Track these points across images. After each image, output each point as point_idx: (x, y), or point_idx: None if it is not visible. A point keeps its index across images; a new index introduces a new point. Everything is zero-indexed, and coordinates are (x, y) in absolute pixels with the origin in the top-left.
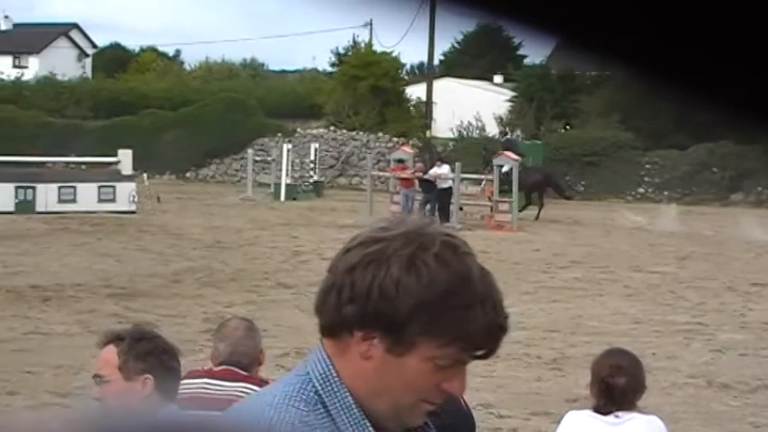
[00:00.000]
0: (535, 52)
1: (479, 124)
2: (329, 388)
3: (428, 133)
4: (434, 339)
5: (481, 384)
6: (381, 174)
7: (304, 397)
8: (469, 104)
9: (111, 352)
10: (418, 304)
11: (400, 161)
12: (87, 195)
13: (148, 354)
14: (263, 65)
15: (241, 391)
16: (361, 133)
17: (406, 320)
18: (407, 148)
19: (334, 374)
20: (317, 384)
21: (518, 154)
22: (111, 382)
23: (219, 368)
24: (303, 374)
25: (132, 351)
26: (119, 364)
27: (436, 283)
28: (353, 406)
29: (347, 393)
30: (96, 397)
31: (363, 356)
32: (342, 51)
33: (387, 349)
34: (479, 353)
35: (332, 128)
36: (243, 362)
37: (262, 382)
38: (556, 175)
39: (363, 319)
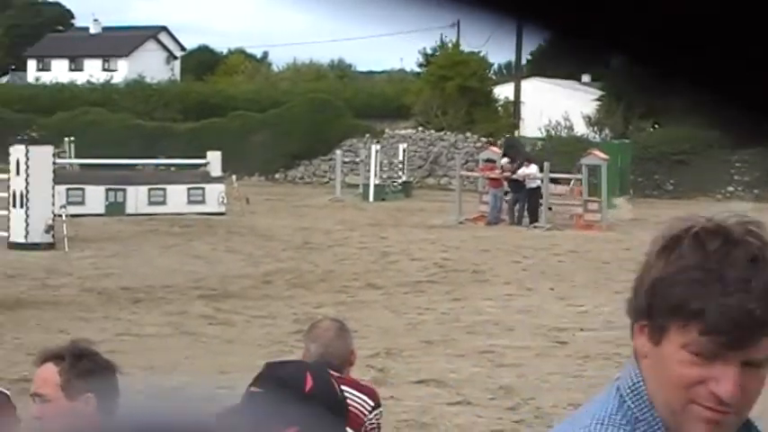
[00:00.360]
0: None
1: (567, 124)
2: (637, 403)
3: (516, 133)
4: (675, 319)
5: (572, 384)
6: (470, 174)
7: (617, 418)
8: (557, 104)
9: (50, 370)
10: (655, 280)
11: (489, 161)
12: (177, 197)
13: (90, 372)
14: (350, 66)
15: None
16: (448, 133)
17: (650, 299)
18: (496, 148)
19: (640, 386)
20: (627, 400)
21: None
22: (52, 401)
23: None
24: (614, 391)
25: (74, 370)
26: (61, 383)
27: (678, 260)
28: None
29: (649, 406)
30: (36, 416)
31: (641, 354)
32: (429, 52)
33: (648, 337)
34: (722, 339)
35: (420, 128)
36: (334, 363)
37: (353, 383)
38: None
39: (633, 309)
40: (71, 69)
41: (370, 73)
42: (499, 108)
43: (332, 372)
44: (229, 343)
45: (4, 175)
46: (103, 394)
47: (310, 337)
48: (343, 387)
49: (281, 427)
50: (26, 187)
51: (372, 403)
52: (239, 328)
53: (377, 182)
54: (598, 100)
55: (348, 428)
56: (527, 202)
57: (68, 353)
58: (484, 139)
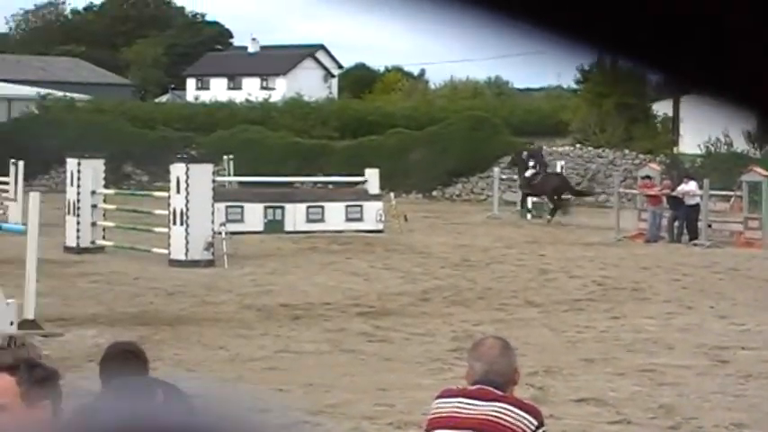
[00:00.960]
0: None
1: (727, 140)
2: None
3: (675, 150)
4: None
5: (734, 403)
6: (628, 191)
7: None
8: (717, 120)
9: (7, 380)
10: None
11: (647, 178)
12: (335, 215)
13: (46, 379)
14: (507, 83)
15: (496, 411)
16: (606, 150)
17: None
18: (655, 165)
19: None
20: None
21: (543, 164)
22: (12, 410)
23: (474, 387)
24: None
25: (31, 378)
26: (21, 392)
27: None
28: None
29: None
30: None
31: None
32: (587, 68)
33: None
34: None
35: (578, 145)
36: (498, 381)
37: (516, 402)
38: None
39: None
40: (230, 88)
41: (528, 90)
42: (658, 125)
43: (495, 390)
44: (388, 360)
45: (165, 193)
46: (56, 400)
47: (474, 355)
48: (506, 406)
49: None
50: (186, 205)
51: (536, 422)
52: (398, 345)
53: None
54: None
55: None
56: (686, 219)
57: (22, 362)
58: (642, 156)
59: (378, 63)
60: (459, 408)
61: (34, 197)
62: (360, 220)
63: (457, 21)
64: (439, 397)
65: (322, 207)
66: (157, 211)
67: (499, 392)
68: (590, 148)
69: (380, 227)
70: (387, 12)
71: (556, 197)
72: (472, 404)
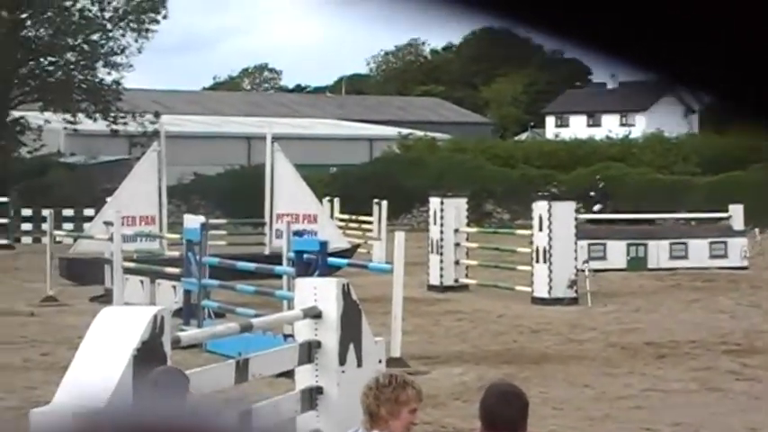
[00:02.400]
0: None
1: None
2: None
3: None
4: None
5: None
6: None
7: None
8: None
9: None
10: None
11: None
12: (698, 251)
13: None
14: None
15: None
16: None
17: None
18: None
19: None
20: None
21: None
22: None
23: None
24: None
25: None
26: None
27: None
28: None
29: None
30: None
31: None
32: None
33: None
34: None
35: None
36: None
37: None
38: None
39: None
40: (589, 125)
41: None
42: None
43: None
44: (757, 399)
45: (527, 231)
46: None
47: None
48: None
49: None
50: (549, 243)
51: None
52: (767, 384)
53: None
54: None
55: None
56: None
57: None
58: None
59: None
60: None
61: (399, 236)
62: (724, 256)
63: None
64: None
65: (685, 244)
66: (520, 249)
67: None
68: None
69: (745, 263)
70: None
71: None
72: None
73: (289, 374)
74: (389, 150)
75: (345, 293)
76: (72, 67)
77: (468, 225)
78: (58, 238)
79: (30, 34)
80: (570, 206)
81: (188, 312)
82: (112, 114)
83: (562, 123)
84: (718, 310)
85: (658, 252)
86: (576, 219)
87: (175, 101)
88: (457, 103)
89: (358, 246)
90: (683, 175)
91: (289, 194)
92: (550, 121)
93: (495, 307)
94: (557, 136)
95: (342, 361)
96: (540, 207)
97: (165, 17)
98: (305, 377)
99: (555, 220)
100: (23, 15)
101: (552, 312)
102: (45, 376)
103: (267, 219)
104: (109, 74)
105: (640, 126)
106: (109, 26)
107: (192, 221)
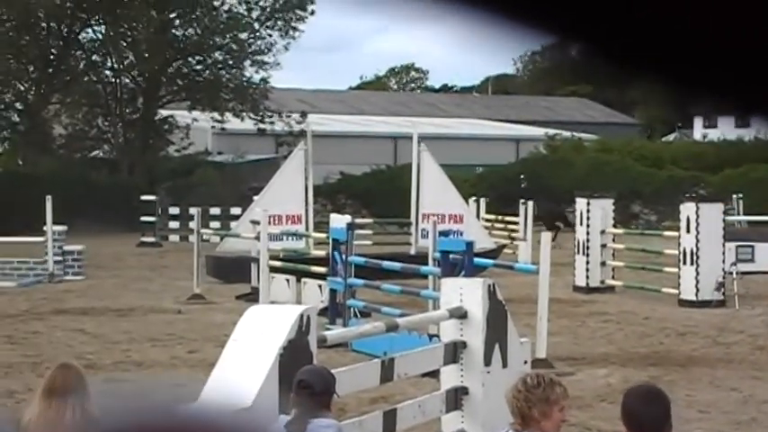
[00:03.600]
0: None
1: None
2: None
3: None
4: None
5: None
6: None
7: None
8: None
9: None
10: None
11: None
12: None
13: None
14: None
15: None
16: None
17: None
18: None
19: None
20: None
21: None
22: None
23: None
24: None
25: None
26: None
27: None
28: None
29: None
30: None
31: None
32: None
33: None
34: None
35: None
36: None
37: None
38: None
39: None
40: (737, 126)
41: None
42: None
43: None
44: None
45: (674, 233)
46: None
47: None
48: None
49: None
50: (696, 245)
51: None
52: None
53: None
54: None
55: None
56: None
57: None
58: None
59: None
60: None
61: (546, 237)
62: None
63: None
64: None
65: None
66: (667, 251)
67: None
68: None
69: None
70: None
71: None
72: None
73: (433, 374)
74: (536, 151)
75: (491, 294)
76: (220, 66)
77: (614, 226)
78: (204, 237)
79: (178, 34)
80: (718, 208)
81: (333, 311)
82: (260, 113)
83: (710, 124)
84: None
85: None
86: (723, 221)
87: (321, 100)
88: (604, 104)
89: (504, 246)
90: None
91: (435, 194)
92: (698, 121)
93: (642, 309)
94: (705, 137)
95: (487, 361)
96: (687, 208)
97: (312, 13)
98: (450, 377)
99: (702, 221)
100: (172, 15)
101: (699, 315)
102: (192, 373)
103: (413, 218)
104: (256, 72)
105: None
106: (256, 25)
107: (339, 221)
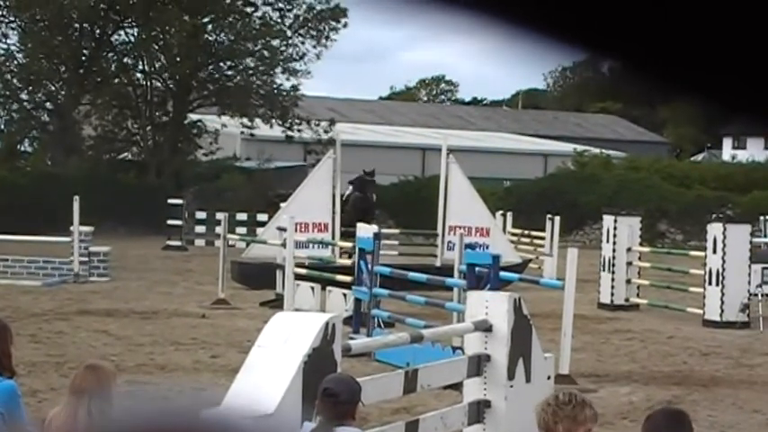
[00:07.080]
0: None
1: None
2: None
3: None
4: None
5: None
6: None
7: None
8: None
9: None
10: None
11: None
12: None
13: None
14: None
15: None
16: None
17: None
18: None
19: None
20: None
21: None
22: None
23: None
24: None
25: None
26: None
27: None
28: None
29: None
30: None
31: None
32: None
33: None
34: None
35: None
36: None
37: None
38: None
39: None
40: (766, 148)
41: None
42: None
43: None
44: None
45: (700, 253)
46: None
47: None
48: None
49: None
50: (722, 265)
51: None
52: None
53: None
54: None
55: None
56: None
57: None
58: None
59: None
60: None
61: (572, 253)
62: None
63: None
64: None
65: None
66: (692, 271)
67: None
68: None
69: None
70: None
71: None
72: None
73: (456, 387)
74: (564, 166)
75: (516, 308)
76: (251, 72)
77: (640, 244)
78: (230, 242)
79: (210, 39)
80: (745, 229)
81: (358, 321)
82: (289, 120)
83: (739, 145)
84: None
85: None
86: (750, 242)
87: (351, 109)
88: (633, 122)
89: (530, 261)
90: None
91: (462, 207)
92: (727, 142)
93: (666, 328)
94: (734, 158)
95: (510, 375)
96: (714, 229)
97: (345, 26)
98: (473, 390)
99: (729, 242)
100: (205, 20)
101: (723, 336)
102: (214, 378)
103: (439, 230)
104: (288, 79)
105: None
106: (289, 33)
107: (365, 230)
